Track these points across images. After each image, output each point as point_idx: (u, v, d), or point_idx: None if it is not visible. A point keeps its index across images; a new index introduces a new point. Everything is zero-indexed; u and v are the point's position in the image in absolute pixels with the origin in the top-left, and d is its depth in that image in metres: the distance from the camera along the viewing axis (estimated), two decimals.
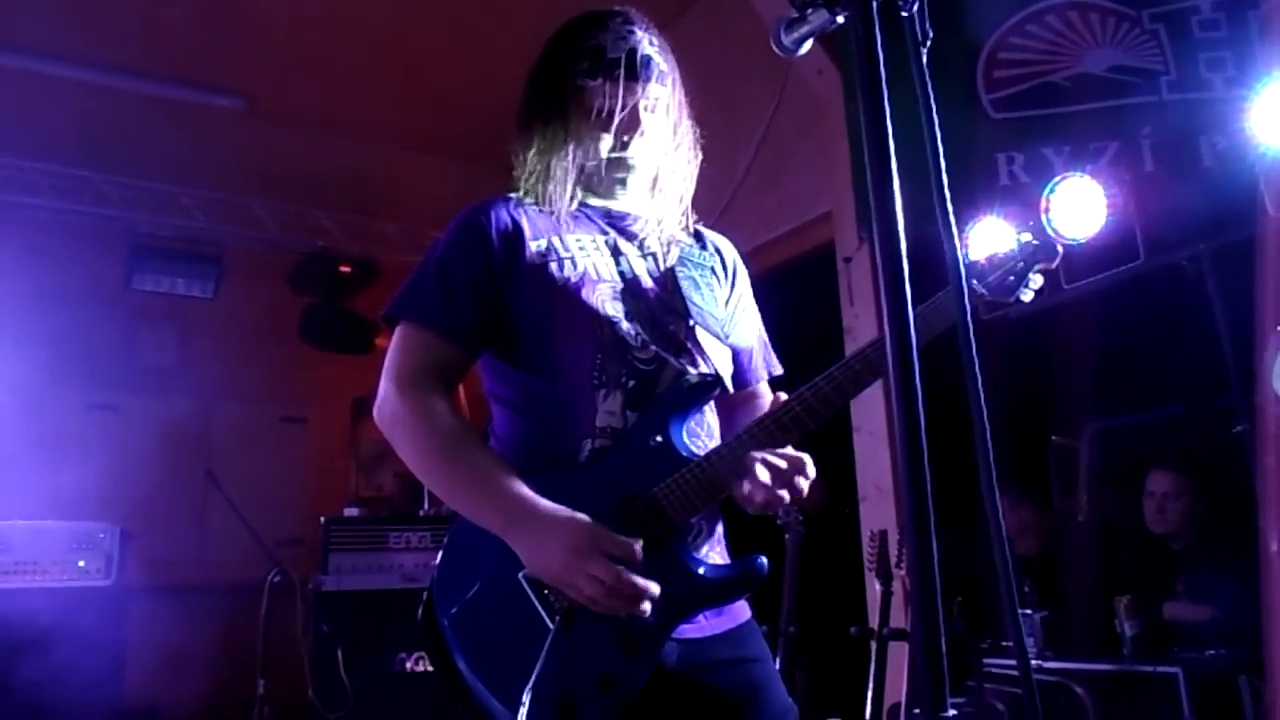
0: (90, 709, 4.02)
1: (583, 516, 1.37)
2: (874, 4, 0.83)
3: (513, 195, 1.63)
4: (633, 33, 1.59)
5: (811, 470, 1.45)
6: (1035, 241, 1.57)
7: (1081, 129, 3.78)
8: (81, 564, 4.22)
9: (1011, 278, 1.55)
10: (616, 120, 1.56)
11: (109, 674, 4.13)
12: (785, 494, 1.43)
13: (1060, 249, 1.58)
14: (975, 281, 1.56)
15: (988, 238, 3.77)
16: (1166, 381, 3.92)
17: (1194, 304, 3.44)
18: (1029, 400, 3.92)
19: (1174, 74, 3.72)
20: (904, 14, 0.83)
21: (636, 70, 1.57)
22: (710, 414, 1.62)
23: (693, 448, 1.50)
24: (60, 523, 4.28)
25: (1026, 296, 1.58)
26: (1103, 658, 3.45)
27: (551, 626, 1.36)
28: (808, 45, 1.14)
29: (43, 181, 5.23)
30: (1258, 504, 2.51)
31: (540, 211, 1.60)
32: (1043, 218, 3.94)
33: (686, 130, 1.66)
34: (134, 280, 5.57)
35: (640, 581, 1.34)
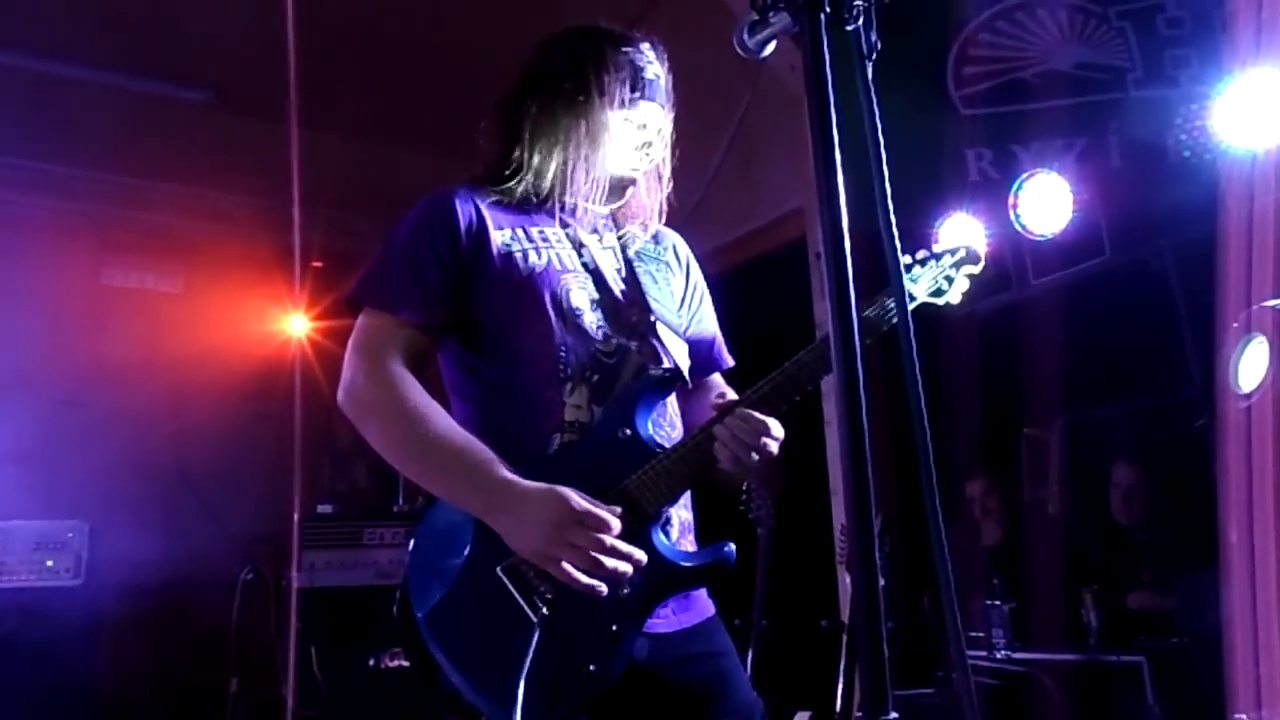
0: (62, 709, 3.97)
1: (562, 489, 1.38)
2: (822, 15, 0.83)
3: (478, 185, 1.64)
4: (658, 60, 1.68)
5: (778, 432, 1.49)
6: (961, 249, 1.68)
7: (1050, 126, 3.82)
8: (50, 564, 4.16)
9: (942, 282, 1.66)
10: (643, 137, 1.64)
11: (81, 674, 4.08)
12: (754, 455, 1.47)
13: (983, 255, 1.69)
14: (906, 283, 1.63)
15: (958, 233, 3.82)
16: (1133, 374, 3.97)
17: (1159, 299, 3.48)
18: (999, 392, 3.96)
19: (1140, 71, 3.76)
20: (848, 28, 0.84)
21: (663, 96, 1.66)
22: (672, 405, 1.66)
23: (659, 439, 1.53)
24: (28, 522, 4.21)
25: (955, 298, 1.69)
26: (1069, 648, 3.50)
27: (535, 619, 1.36)
28: (771, 47, 1.15)
29: (8, 176, 5.15)
30: (1218, 496, 2.55)
31: (503, 201, 1.62)
32: (1011, 214, 3.96)
33: (669, 159, 1.73)
34: (103, 275, 5.50)
35: (623, 546, 1.36)
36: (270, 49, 4.92)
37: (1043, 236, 3.47)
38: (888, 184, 0.86)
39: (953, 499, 4.30)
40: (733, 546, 1.48)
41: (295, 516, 4.60)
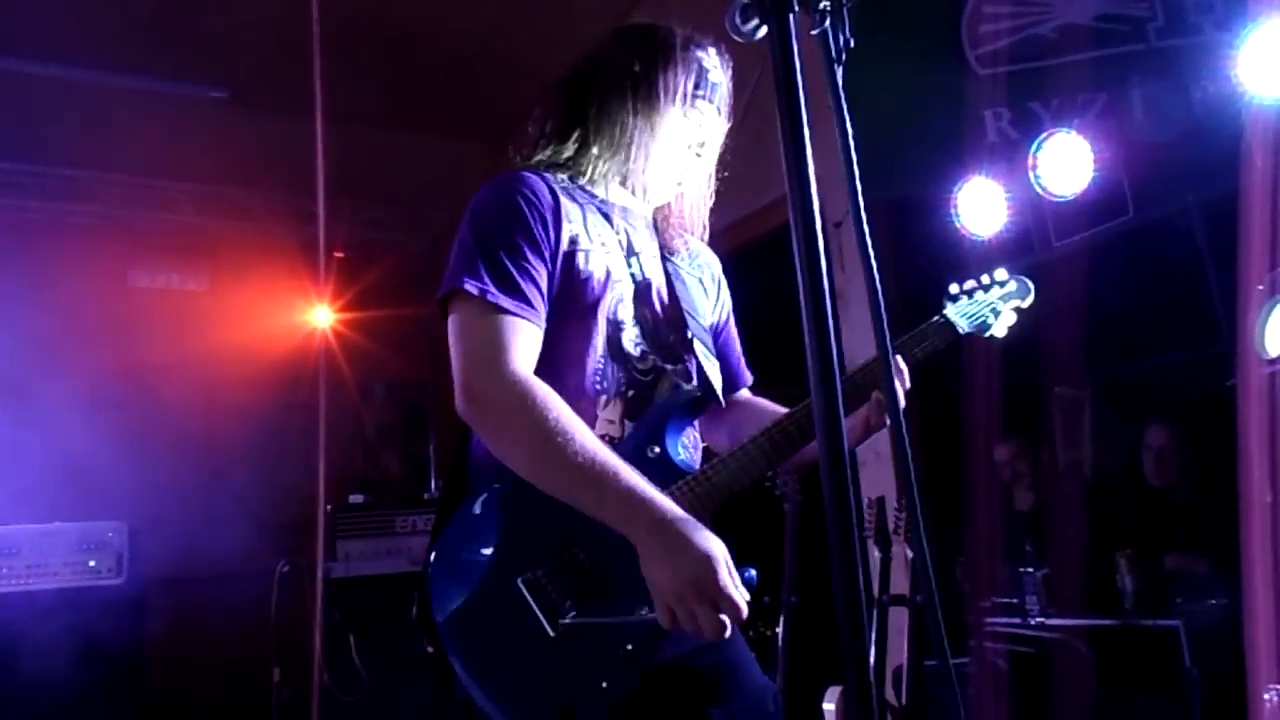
0: (112, 707, 4.08)
1: (717, 550, 1.29)
2: (791, 16, 0.81)
3: (542, 171, 1.60)
4: (723, 68, 1.67)
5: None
6: (1011, 282, 1.71)
7: (1069, 81, 3.71)
8: (92, 563, 4.26)
9: (988, 314, 1.69)
10: (697, 137, 1.63)
11: (129, 671, 4.18)
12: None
13: (1032, 288, 1.71)
14: (953, 314, 1.67)
15: (976, 198, 3.75)
16: (1162, 334, 3.89)
17: (1186, 256, 3.40)
18: (1024, 357, 3.90)
19: (1162, 20, 3.64)
20: (813, 32, 0.81)
21: (722, 102, 1.65)
22: (695, 428, 1.64)
23: (687, 460, 1.52)
24: (69, 524, 4.31)
25: (1000, 331, 1.72)
26: (1104, 613, 3.47)
27: (552, 633, 1.36)
28: (764, 31, 1.12)
29: (32, 183, 5.23)
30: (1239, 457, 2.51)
31: (568, 194, 1.57)
32: (1030, 175, 3.86)
33: (714, 173, 1.73)
34: (130, 277, 5.59)
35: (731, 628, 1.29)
36: (286, 44, 4.94)
37: (1063, 198, 3.39)
38: (859, 183, 0.85)
39: (984, 465, 4.24)
40: (754, 572, 1.40)
41: (328, 508, 4.67)
